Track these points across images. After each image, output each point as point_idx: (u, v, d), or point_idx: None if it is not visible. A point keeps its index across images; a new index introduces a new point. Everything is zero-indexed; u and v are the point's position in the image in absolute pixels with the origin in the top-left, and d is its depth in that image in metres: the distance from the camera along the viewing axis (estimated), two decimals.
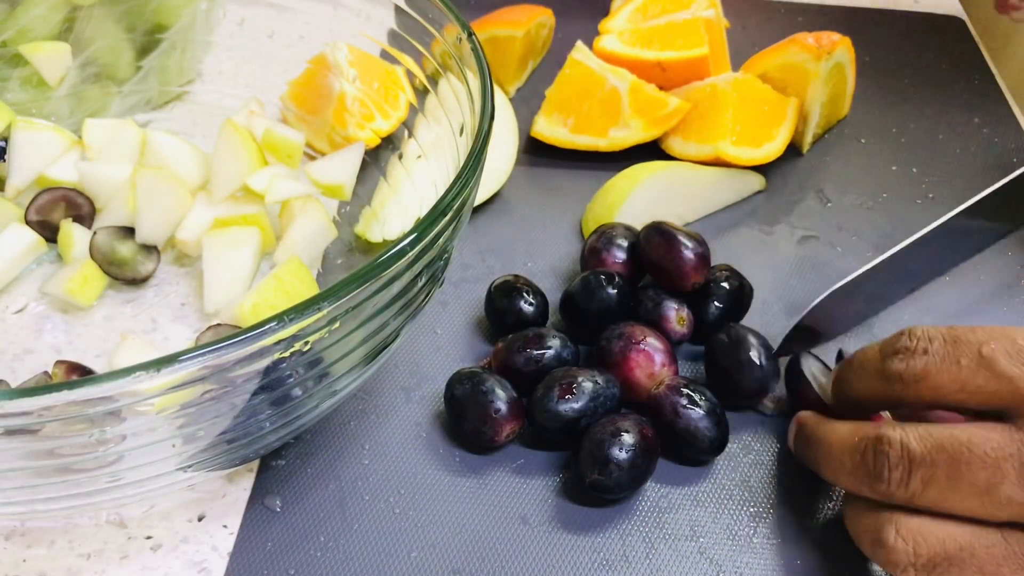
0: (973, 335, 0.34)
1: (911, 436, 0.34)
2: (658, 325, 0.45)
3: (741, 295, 0.46)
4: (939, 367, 0.34)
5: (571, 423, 0.40)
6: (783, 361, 0.44)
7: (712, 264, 0.47)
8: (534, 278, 0.49)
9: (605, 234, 0.48)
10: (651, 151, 0.57)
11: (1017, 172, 0.47)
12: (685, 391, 0.41)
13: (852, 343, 0.48)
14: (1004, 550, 0.32)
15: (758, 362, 0.42)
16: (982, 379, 0.33)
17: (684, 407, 0.41)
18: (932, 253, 0.46)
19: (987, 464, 0.32)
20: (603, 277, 0.45)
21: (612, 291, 0.45)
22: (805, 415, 0.41)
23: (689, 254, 0.45)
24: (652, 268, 0.46)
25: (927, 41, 0.71)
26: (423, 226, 0.34)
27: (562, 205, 0.55)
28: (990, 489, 0.32)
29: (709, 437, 0.41)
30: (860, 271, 0.45)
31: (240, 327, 0.34)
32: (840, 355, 0.43)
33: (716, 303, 0.46)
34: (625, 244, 0.47)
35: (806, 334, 0.45)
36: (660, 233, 0.45)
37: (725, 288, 0.46)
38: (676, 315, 0.45)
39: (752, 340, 0.43)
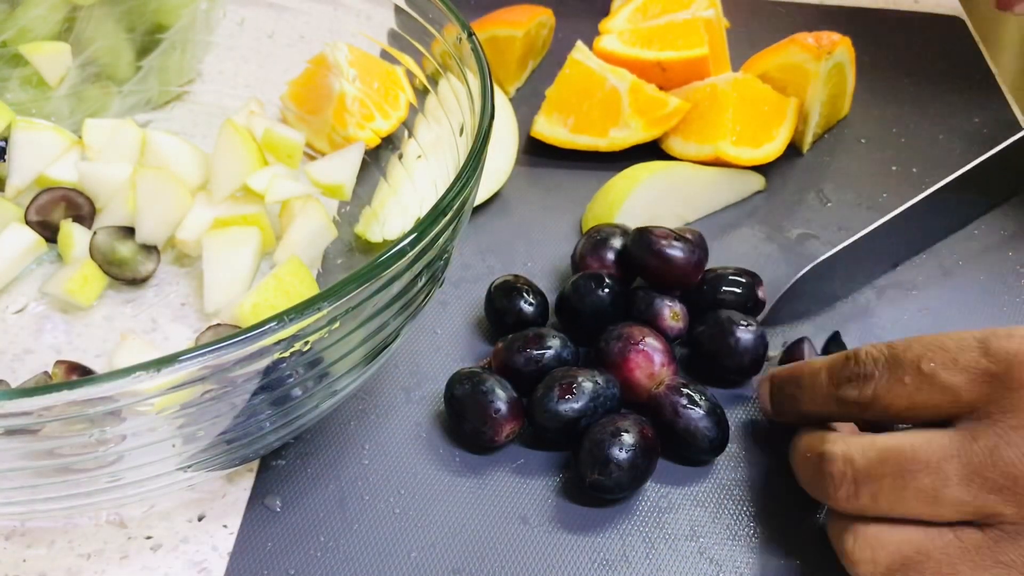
0: (911, 352, 0.35)
1: (854, 450, 0.35)
2: (653, 323, 0.45)
3: (749, 296, 0.47)
4: (887, 389, 0.35)
5: (571, 423, 0.40)
6: (778, 343, 0.45)
7: (710, 264, 0.47)
8: (534, 278, 0.49)
9: (592, 237, 0.48)
10: (651, 151, 0.57)
11: (994, 150, 0.48)
12: (685, 391, 0.41)
13: (846, 324, 0.48)
14: (958, 549, 0.33)
15: (744, 337, 0.43)
16: (926, 394, 0.34)
17: (684, 407, 0.41)
18: (913, 228, 0.48)
19: (931, 469, 0.33)
20: (593, 280, 0.45)
21: (604, 293, 0.45)
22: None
23: (677, 260, 0.45)
24: (645, 276, 0.47)
25: (927, 41, 0.71)
26: (423, 226, 0.34)
27: (562, 205, 0.55)
28: (937, 493, 0.33)
29: (709, 437, 0.41)
30: (842, 245, 0.46)
31: (240, 327, 0.34)
32: (835, 336, 0.43)
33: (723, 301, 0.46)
34: (615, 246, 0.47)
35: (792, 305, 0.45)
36: (645, 243, 0.45)
37: (733, 291, 0.46)
38: (670, 311, 0.45)
39: (736, 317, 0.44)
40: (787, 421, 0.41)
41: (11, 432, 0.29)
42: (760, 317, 0.46)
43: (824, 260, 0.47)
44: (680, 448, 0.41)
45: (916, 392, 0.35)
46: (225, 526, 0.40)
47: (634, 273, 0.47)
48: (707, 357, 0.45)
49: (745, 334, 0.44)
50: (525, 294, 0.46)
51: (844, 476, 0.35)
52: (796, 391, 0.39)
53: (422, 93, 0.49)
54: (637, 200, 0.52)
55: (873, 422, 0.37)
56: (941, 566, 0.33)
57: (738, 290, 0.46)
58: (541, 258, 0.52)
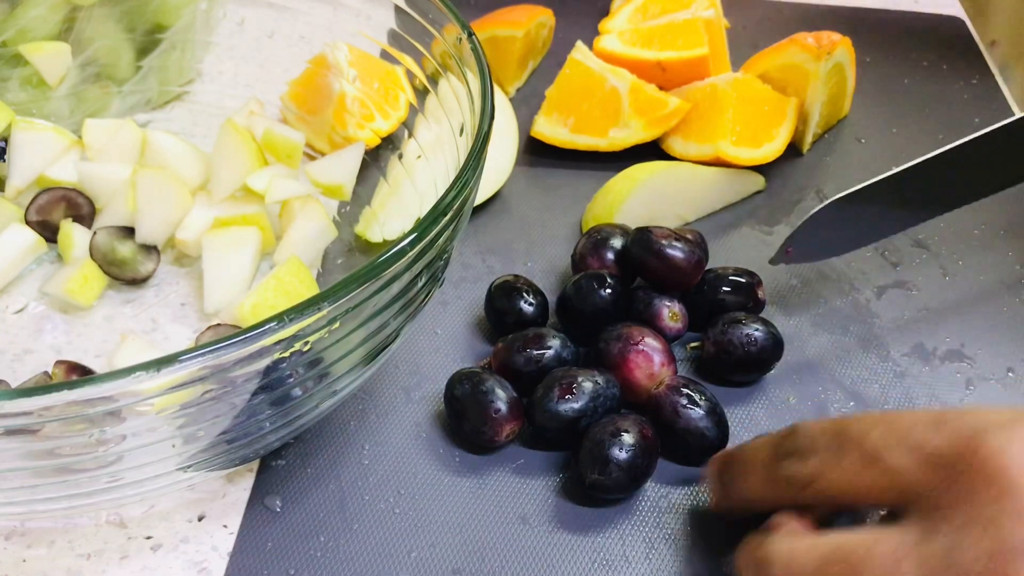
0: (856, 427, 0.31)
1: (798, 552, 0.31)
2: (652, 323, 0.45)
3: (749, 295, 0.47)
4: (829, 466, 0.32)
5: (571, 423, 0.40)
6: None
7: (710, 265, 0.47)
8: (534, 278, 0.49)
9: (592, 237, 0.48)
10: (651, 151, 0.57)
11: (1011, 119, 0.45)
12: (685, 391, 0.41)
13: (846, 324, 0.48)
14: None
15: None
16: (870, 476, 0.31)
17: (684, 407, 0.41)
18: (932, 185, 0.44)
19: (886, 571, 0.29)
20: (595, 280, 0.45)
21: (605, 293, 0.45)
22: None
23: (678, 261, 0.45)
24: (645, 276, 0.47)
25: (927, 41, 0.71)
26: (423, 226, 0.34)
27: (562, 205, 0.55)
28: None
29: (709, 437, 0.41)
30: (857, 187, 0.45)
31: (240, 327, 0.34)
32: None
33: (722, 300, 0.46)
34: (615, 246, 0.47)
35: (801, 248, 0.44)
36: (646, 243, 0.45)
37: (733, 291, 0.46)
38: (668, 312, 0.45)
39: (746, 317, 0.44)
40: (730, 508, 0.37)
41: (11, 432, 0.29)
42: (777, 251, 0.44)
43: (855, 191, 0.44)
44: (680, 448, 0.41)
45: (859, 473, 0.31)
46: (225, 526, 0.40)
47: (634, 273, 0.47)
48: (720, 357, 0.45)
49: (759, 333, 0.44)
50: (525, 294, 0.46)
51: None
52: (738, 470, 0.36)
53: (422, 93, 0.49)
54: (637, 200, 0.52)
55: (815, 507, 0.34)
56: None
57: (738, 290, 0.46)
58: (541, 258, 0.52)
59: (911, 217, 0.48)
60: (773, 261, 0.46)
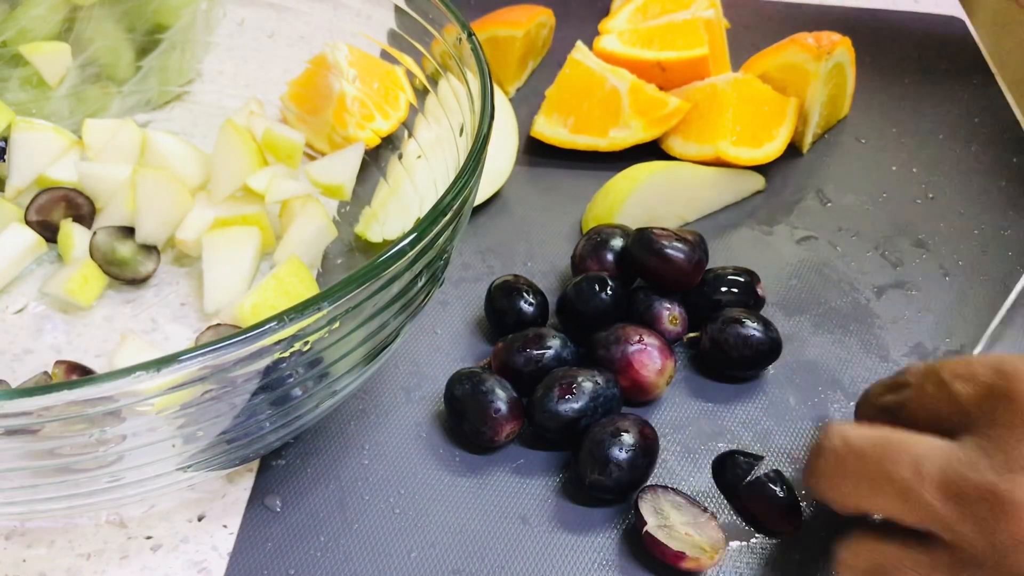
0: (944, 364, 0.36)
1: (850, 430, 0.35)
2: (652, 326, 0.45)
3: (749, 294, 0.47)
4: (914, 396, 0.37)
5: (571, 423, 0.40)
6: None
7: (710, 265, 0.47)
8: (534, 278, 0.49)
9: (592, 239, 0.48)
10: (651, 151, 0.57)
11: None
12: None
13: (846, 324, 0.48)
14: (928, 566, 0.33)
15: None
16: (940, 402, 0.35)
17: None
18: None
19: (912, 462, 0.33)
20: (596, 282, 0.45)
21: (606, 295, 0.45)
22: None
23: (678, 261, 0.45)
24: (645, 276, 0.47)
25: (927, 41, 0.71)
26: (423, 226, 0.34)
27: (562, 205, 0.55)
28: (910, 490, 0.33)
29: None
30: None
31: (240, 327, 0.34)
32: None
33: (722, 299, 0.46)
34: (615, 247, 0.47)
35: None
36: (646, 243, 0.45)
37: (732, 290, 0.46)
38: (668, 315, 0.45)
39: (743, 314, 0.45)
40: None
41: (11, 432, 0.29)
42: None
43: None
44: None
45: (933, 400, 0.36)
46: (225, 526, 0.40)
47: (634, 274, 0.47)
48: (715, 354, 0.45)
49: (757, 334, 0.44)
50: (525, 294, 0.46)
51: (834, 450, 0.35)
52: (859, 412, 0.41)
53: (422, 93, 0.49)
54: (637, 200, 0.52)
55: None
56: None
57: (737, 289, 0.47)
58: (541, 258, 0.52)
59: None
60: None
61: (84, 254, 0.48)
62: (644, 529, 0.38)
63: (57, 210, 0.50)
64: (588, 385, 0.41)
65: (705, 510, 0.39)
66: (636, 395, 0.43)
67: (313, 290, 0.47)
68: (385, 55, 0.51)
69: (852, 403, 0.45)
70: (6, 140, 0.51)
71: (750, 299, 0.47)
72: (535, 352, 0.43)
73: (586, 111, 0.57)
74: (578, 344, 0.44)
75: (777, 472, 0.40)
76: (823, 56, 0.57)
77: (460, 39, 0.43)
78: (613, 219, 0.51)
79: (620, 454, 0.39)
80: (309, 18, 0.54)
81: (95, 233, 0.48)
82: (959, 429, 0.34)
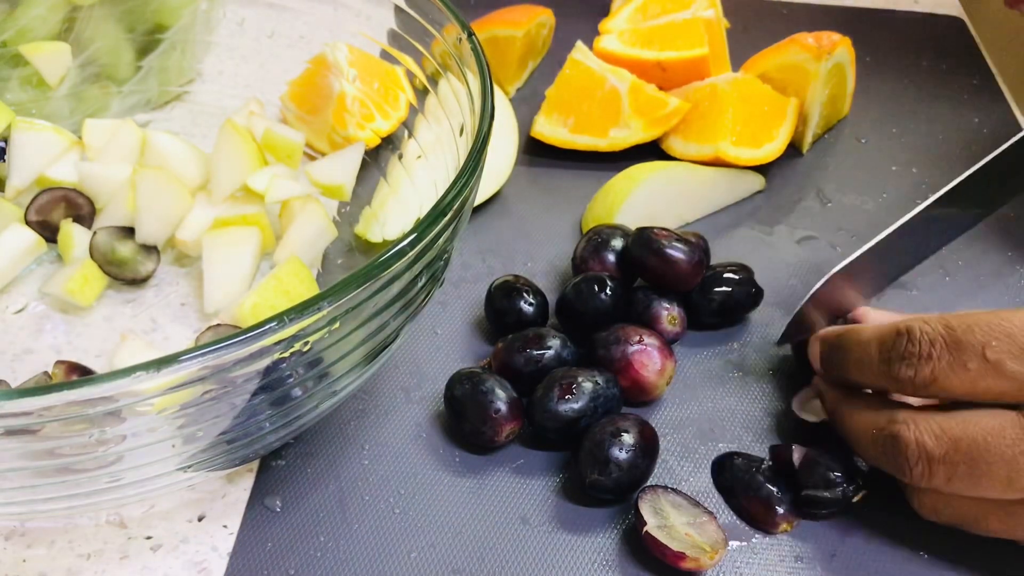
0: (973, 336, 0.35)
1: (925, 436, 0.36)
2: (650, 326, 0.45)
3: (747, 291, 0.47)
4: (947, 373, 0.35)
5: (571, 423, 0.40)
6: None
7: (711, 264, 0.47)
8: (534, 278, 0.49)
9: (592, 239, 0.48)
10: (651, 151, 0.57)
11: (988, 157, 0.47)
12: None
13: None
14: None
15: None
16: (991, 381, 0.35)
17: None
18: (915, 239, 0.47)
19: (1005, 461, 0.34)
20: (596, 283, 0.45)
21: (606, 296, 0.45)
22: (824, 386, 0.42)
23: (678, 261, 0.45)
24: (645, 276, 0.47)
25: (927, 41, 0.71)
26: (423, 226, 0.34)
27: (562, 205, 0.55)
28: (1012, 480, 0.34)
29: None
30: (846, 261, 0.45)
31: (240, 327, 0.34)
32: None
33: (718, 298, 0.47)
34: (615, 248, 0.47)
35: (804, 324, 0.45)
36: (647, 242, 0.45)
37: (727, 289, 0.46)
38: (667, 315, 0.45)
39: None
40: (837, 382, 0.41)
41: (11, 432, 0.29)
42: (783, 332, 0.46)
43: (850, 261, 0.46)
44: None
45: (980, 378, 0.35)
46: (225, 526, 0.40)
47: (634, 274, 0.47)
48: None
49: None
50: (525, 294, 0.46)
51: (919, 459, 0.36)
52: (847, 360, 0.40)
53: (422, 93, 0.49)
54: (637, 200, 0.52)
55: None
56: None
57: (736, 286, 0.47)
58: (541, 258, 0.52)
59: (913, 260, 0.50)
60: (780, 342, 0.46)
61: (84, 254, 0.48)
62: (644, 529, 0.38)
63: (57, 210, 0.50)
64: (588, 385, 0.41)
65: (705, 510, 0.39)
66: (636, 395, 0.43)
67: (313, 290, 0.47)
68: (385, 55, 0.51)
69: None
70: (6, 140, 0.51)
71: (750, 296, 0.47)
72: (535, 352, 0.43)
73: (586, 111, 0.57)
74: (578, 344, 0.44)
75: (777, 472, 0.40)
76: (823, 56, 0.57)
77: (460, 39, 0.43)
78: (613, 219, 0.51)
79: (620, 454, 0.39)
80: (309, 18, 0.54)
81: (95, 233, 0.48)
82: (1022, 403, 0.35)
